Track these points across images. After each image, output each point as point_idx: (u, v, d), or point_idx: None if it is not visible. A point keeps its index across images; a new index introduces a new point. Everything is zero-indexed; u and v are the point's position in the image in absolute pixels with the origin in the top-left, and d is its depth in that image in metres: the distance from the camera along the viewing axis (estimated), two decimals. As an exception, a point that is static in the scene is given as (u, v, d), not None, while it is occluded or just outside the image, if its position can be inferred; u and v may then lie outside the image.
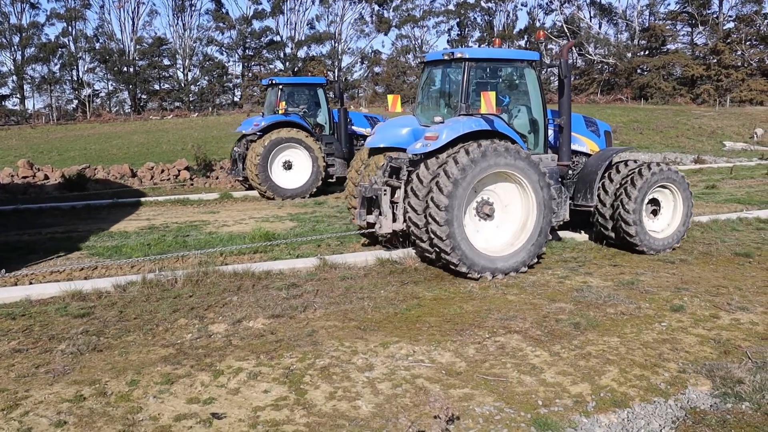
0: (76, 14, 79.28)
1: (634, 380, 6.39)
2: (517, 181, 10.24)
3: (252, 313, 8.46)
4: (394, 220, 10.71)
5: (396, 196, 10.74)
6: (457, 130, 10.00)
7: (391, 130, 11.49)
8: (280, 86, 19.97)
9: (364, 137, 20.65)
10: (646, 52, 79.45)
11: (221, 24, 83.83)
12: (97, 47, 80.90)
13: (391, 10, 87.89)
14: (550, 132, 11.53)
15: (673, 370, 6.61)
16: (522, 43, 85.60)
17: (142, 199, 19.11)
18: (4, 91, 77.39)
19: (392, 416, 5.71)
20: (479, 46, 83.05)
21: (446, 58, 10.86)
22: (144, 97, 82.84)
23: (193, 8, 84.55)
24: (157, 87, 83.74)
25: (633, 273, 10.26)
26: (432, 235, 9.81)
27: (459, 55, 10.60)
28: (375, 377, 6.51)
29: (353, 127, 20.77)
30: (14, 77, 76.93)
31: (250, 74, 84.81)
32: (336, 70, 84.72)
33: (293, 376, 6.55)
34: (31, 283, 10.15)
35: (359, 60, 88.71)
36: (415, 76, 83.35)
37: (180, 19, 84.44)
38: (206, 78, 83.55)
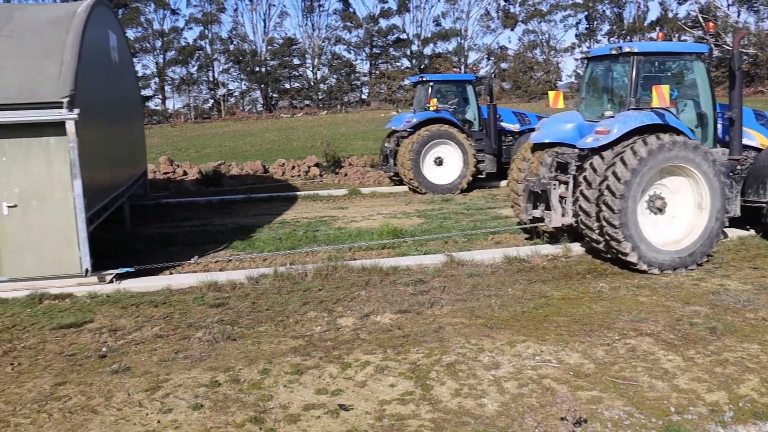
0: (212, 18, 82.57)
1: (776, 390, 6.06)
2: (693, 176, 10.16)
3: (380, 308, 8.58)
4: (563, 214, 10.83)
5: (563, 190, 10.83)
6: (628, 124, 9.99)
7: (556, 126, 11.48)
8: (430, 83, 20.14)
9: (513, 133, 20.62)
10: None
11: (349, 23, 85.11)
12: (231, 49, 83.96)
13: (517, 5, 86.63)
14: (719, 126, 11.29)
15: (820, 381, 6.23)
16: (653, 35, 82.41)
17: (274, 195, 19.69)
18: (148, 92, 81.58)
19: (518, 416, 5.66)
20: (609, 40, 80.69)
21: (614, 52, 10.80)
22: (275, 95, 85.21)
23: (321, 9, 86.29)
24: (287, 86, 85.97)
25: (776, 276, 9.72)
26: (605, 223, 9.85)
27: (627, 50, 10.54)
28: (501, 376, 6.47)
29: (502, 123, 20.69)
30: (156, 79, 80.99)
31: (377, 72, 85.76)
32: (462, 67, 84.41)
33: (419, 371, 6.60)
34: (171, 273, 10.68)
35: (485, 56, 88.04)
36: (542, 71, 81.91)
37: (309, 19, 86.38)
38: (334, 76, 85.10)
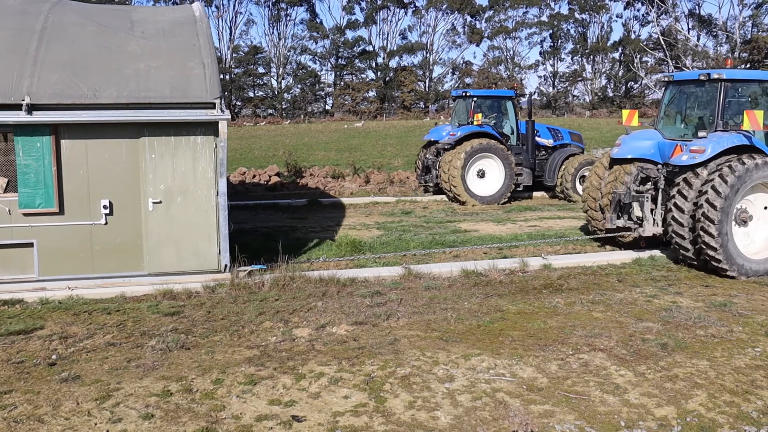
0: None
1: (723, 406, 6.17)
2: None
3: (336, 319, 8.57)
4: (654, 224, 11.89)
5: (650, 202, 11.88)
6: (722, 144, 10.95)
7: (637, 143, 12.28)
8: (474, 98, 20.52)
9: (546, 148, 21.22)
10: (748, 66, 76.56)
11: (315, 33, 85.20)
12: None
13: (483, 21, 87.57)
14: None
15: (766, 398, 6.35)
16: (616, 55, 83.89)
17: (233, 203, 19.54)
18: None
19: (470, 429, 5.69)
20: (573, 59, 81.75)
21: (702, 78, 11.58)
22: (239, 103, 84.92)
23: (288, 18, 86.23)
24: (251, 94, 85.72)
25: (726, 295, 9.91)
26: (702, 233, 10.71)
27: (716, 76, 11.27)
28: (455, 389, 6.50)
29: (537, 138, 21.22)
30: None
31: (341, 83, 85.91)
32: (427, 81, 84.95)
33: (374, 383, 6.60)
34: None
35: (450, 71, 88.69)
36: (506, 86, 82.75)
37: (275, 28, 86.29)
38: (299, 86, 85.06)
